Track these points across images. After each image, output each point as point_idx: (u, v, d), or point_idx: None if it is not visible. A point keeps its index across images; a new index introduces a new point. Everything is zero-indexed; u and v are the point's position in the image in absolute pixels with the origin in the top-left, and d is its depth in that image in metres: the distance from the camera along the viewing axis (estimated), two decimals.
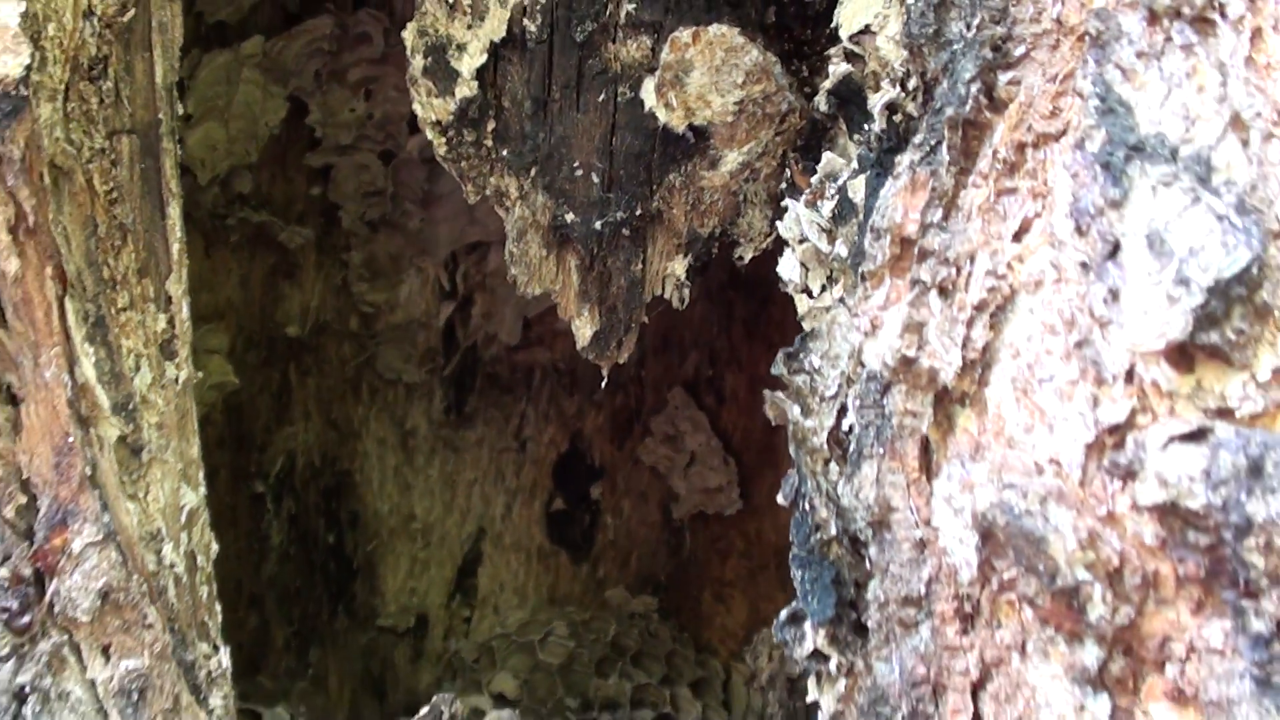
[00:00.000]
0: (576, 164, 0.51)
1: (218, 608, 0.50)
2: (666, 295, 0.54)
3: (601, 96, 0.50)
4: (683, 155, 0.50)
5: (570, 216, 0.52)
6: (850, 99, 0.47)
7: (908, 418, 0.33)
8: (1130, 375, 0.27)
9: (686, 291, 0.54)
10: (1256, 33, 0.27)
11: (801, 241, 0.46)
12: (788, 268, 0.47)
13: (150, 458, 0.45)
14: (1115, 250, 0.28)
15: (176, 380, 0.47)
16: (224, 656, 0.49)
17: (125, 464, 0.43)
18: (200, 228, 0.69)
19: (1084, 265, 0.28)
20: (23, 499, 0.39)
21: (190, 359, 0.49)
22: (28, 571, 0.39)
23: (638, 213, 0.51)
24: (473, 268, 0.76)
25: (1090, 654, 0.28)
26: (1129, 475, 0.27)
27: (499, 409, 0.83)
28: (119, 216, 0.44)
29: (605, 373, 0.60)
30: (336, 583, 0.84)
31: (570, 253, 0.53)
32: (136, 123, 0.45)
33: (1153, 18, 0.28)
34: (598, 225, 0.52)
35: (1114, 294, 0.28)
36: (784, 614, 0.39)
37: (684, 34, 0.48)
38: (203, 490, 0.49)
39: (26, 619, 0.39)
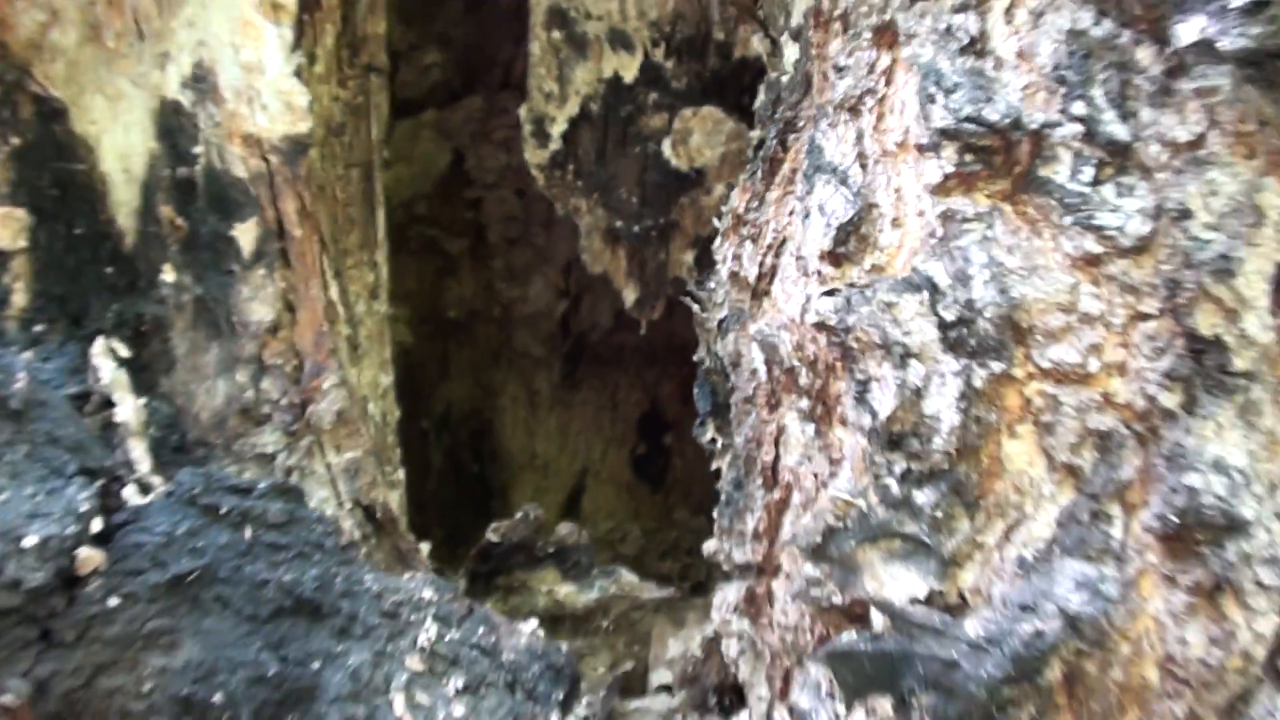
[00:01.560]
0: (623, 190, 0.82)
1: (397, 449, 0.82)
2: (683, 275, 0.85)
3: (637, 149, 0.81)
4: (689, 185, 0.81)
5: (619, 223, 0.83)
6: None
7: (740, 304, 0.62)
8: (817, 271, 0.54)
9: (694, 272, 0.84)
10: (880, 115, 0.55)
11: None
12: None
13: (364, 351, 0.77)
14: (806, 217, 0.56)
15: (378, 312, 0.80)
16: (400, 473, 0.81)
17: (350, 351, 0.75)
18: (390, 237, 1.03)
19: (803, 221, 0.56)
20: (295, 361, 0.71)
21: (386, 303, 0.82)
22: (297, 401, 0.71)
23: (662, 221, 0.82)
24: (581, 274, 1.08)
25: (804, 402, 0.56)
26: (811, 314, 0.54)
27: (599, 378, 1.15)
28: (350, 213, 0.76)
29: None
30: (479, 501, 1.16)
31: (620, 246, 0.84)
32: (360, 161, 0.77)
33: (836, 109, 0.56)
34: (636, 229, 0.82)
35: (808, 237, 0.56)
36: (696, 422, 0.68)
37: (688, 111, 0.78)
38: (391, 379, 0.81)
39: (295, 428, 0.70)
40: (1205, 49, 0.46)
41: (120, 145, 0.71)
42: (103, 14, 0.72)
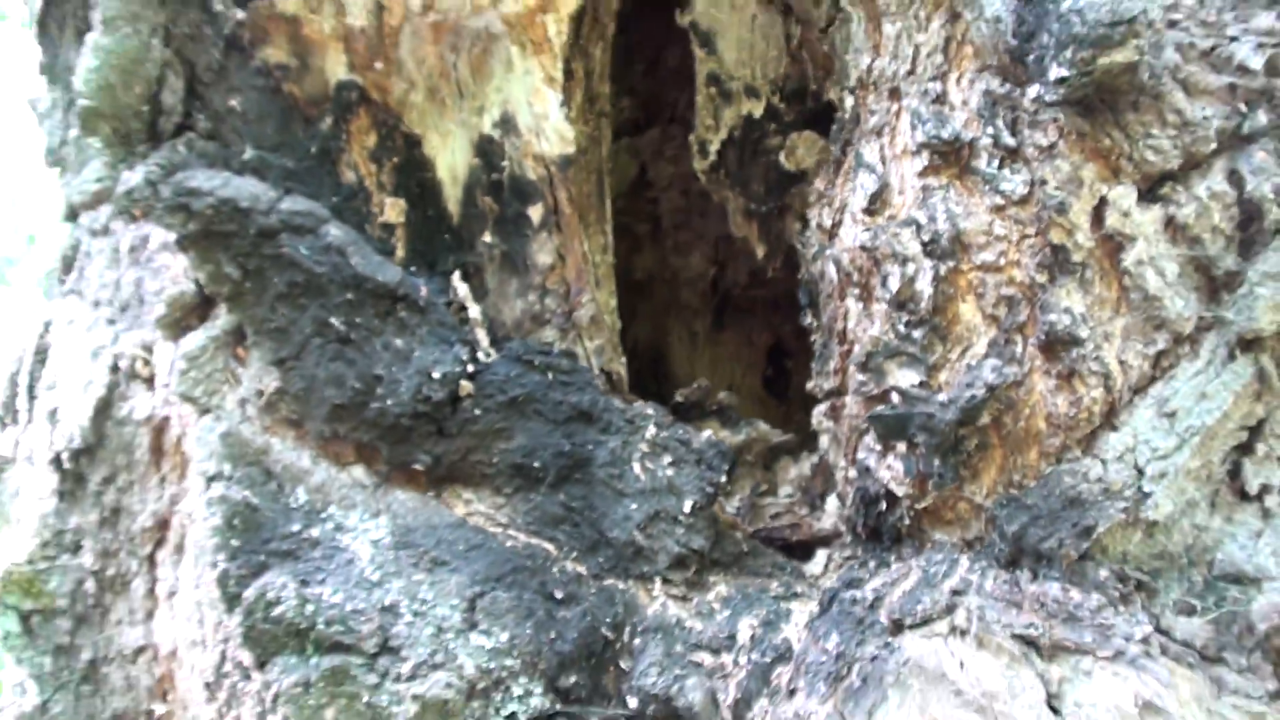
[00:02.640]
0: (755, 184, 1.28)
1: (619, 345, 1.30)
2: (793, 238, 1.32)
3: (763, 159, 1.27)
4: (795, 181, 1.27)
5: (753, 206, 1.29)
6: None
7: (821, 242, 1.09)
8: (861, 220, 1.01)
9: (799, 233, 1.30)
10: (892, 136, 1.00)
11: None
12: None
13: (601, 283, 1.25)
14: (854, 192, 1.02)
15: (607, 261, 1.27)
16: (622, 358, 1.30)
17: (594, 282, 1.23)
18: None
19: (853, 194, 1.03)
20: (565, 288, 1.20)
21: (611, 255, 1.30)
22: (566, 310, 1.20)
23: (779, 204, 1.28)
24: (727, 247, 1.55)
25: (856, 291, 1.02)
26: (858, 242, 1.01)
27: (739, 322, 1.62)
28: (591, 201, 1.25)
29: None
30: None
31: (754, 220, 1.30)
32: (595, 169, 1.26)
33: (870, 133, 1.02)
34: (764, 209, 1.29)
35: (854, 202, 1.03)
36: (800, 313, 1.16)
37: (795, 134, 1.25)
38: (614, 301, 1.29)
39: (565, 326, 1.18)
40: (1044, 100, 0.91)
41: (450, 162, 1.20)
42: (441, 84, 1.21)
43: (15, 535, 1.14)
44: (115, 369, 1.13)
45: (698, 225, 1.55)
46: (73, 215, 1.25)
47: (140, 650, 1.10)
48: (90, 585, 1.11)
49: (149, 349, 1.12)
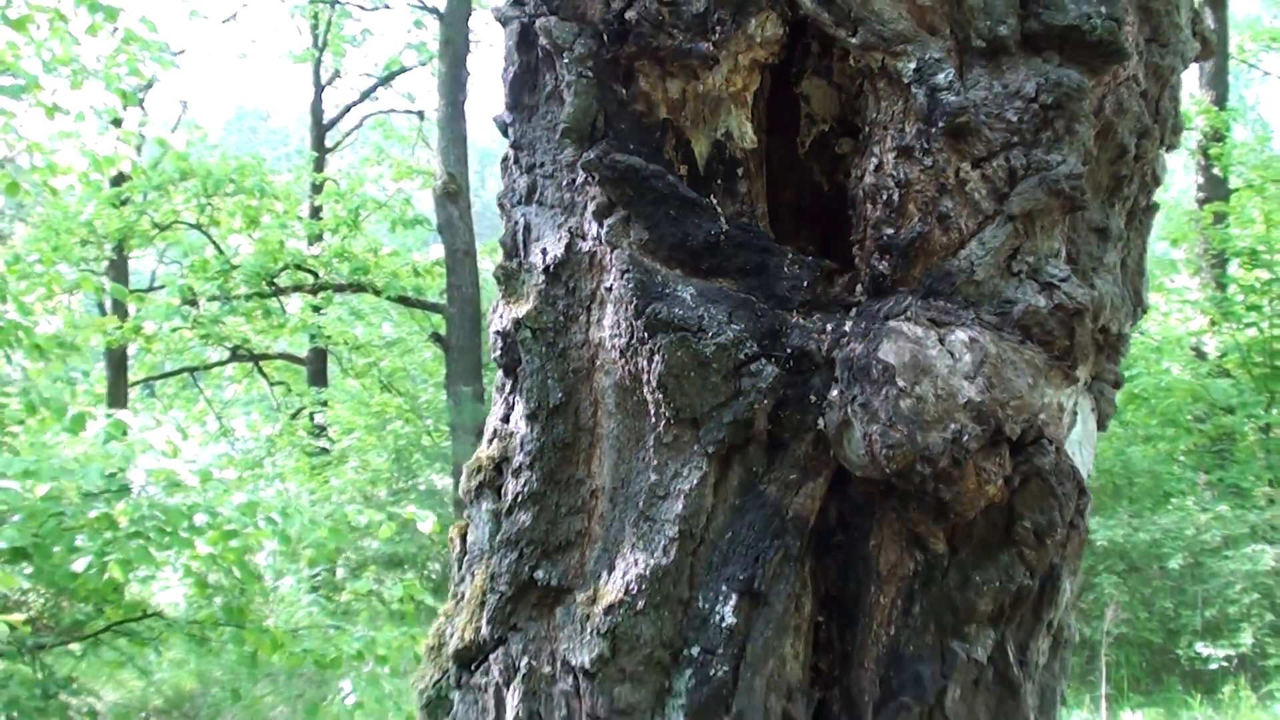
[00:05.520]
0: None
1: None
2: None
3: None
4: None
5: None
6: None
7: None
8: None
9: None
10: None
11: None
12: None
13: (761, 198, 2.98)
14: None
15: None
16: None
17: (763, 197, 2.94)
18: None
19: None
20: (751, 201, 2.90)
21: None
22: (748, 212, 2.92)
23: None
24: None
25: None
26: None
27: None
28: (761, 165, 2.97)
29: None
30: None
31: None
32: (762, 156, 2.99)
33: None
34: None
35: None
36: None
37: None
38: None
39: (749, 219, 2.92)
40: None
41: (701, 149, 2.96)
42: (700, 116, 2.96)
43: (519, 301, 2.92)
44: (570, 234, 2.89)
45: None
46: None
47: (583, 343, 2.85)
48: (561, 319, 2.86)
49: (584, 229, 2.89)
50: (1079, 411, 2.79)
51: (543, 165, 2.83)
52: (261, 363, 28.16)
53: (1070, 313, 2.38)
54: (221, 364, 28.25)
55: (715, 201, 2.51)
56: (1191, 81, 22.25)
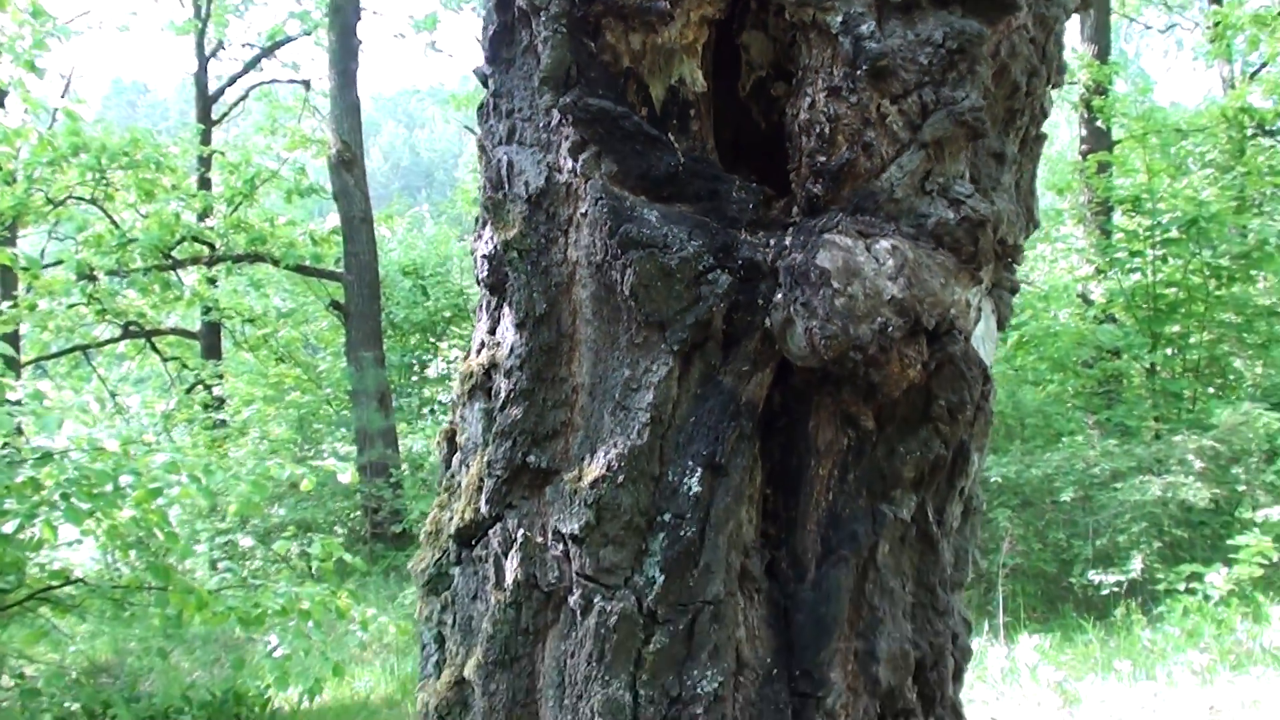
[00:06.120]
0: None
1: None
2: None
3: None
4: None
5: None
6: None
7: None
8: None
9: None
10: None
11: None
12: None
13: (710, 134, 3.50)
14: None
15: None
16: None
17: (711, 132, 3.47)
18: None
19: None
20: (702, 138, 3.43)
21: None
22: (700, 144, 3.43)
23: None
24: None
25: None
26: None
27: None
28: (710, 106, 3.50)
29: None
30: None
31: None
32: (712, 99, 3.52)
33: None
34: None
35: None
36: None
37: None
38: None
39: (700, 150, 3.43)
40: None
41: (658, 94, 3.47)
42: (657, 65, 3.47)
43: (506, 227, 3.41)
44: (548, 168, 3.39)
45: None
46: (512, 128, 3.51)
47: (562, 261, 3.35)
48: (543, 240, 3.36)
49: (560, 164, 3.39)
50: (982, 311, 3.36)
51: (521, 110, 3.32)
52: (154, 339, 28.02)
53: (974, 224, 2.92)
54: (114, 341, 28.07)
55: (672, 138, 3.01)
56: (1075, 36, 23.22)
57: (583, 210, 2.95)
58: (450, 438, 3.48)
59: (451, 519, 3.30)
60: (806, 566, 3.00)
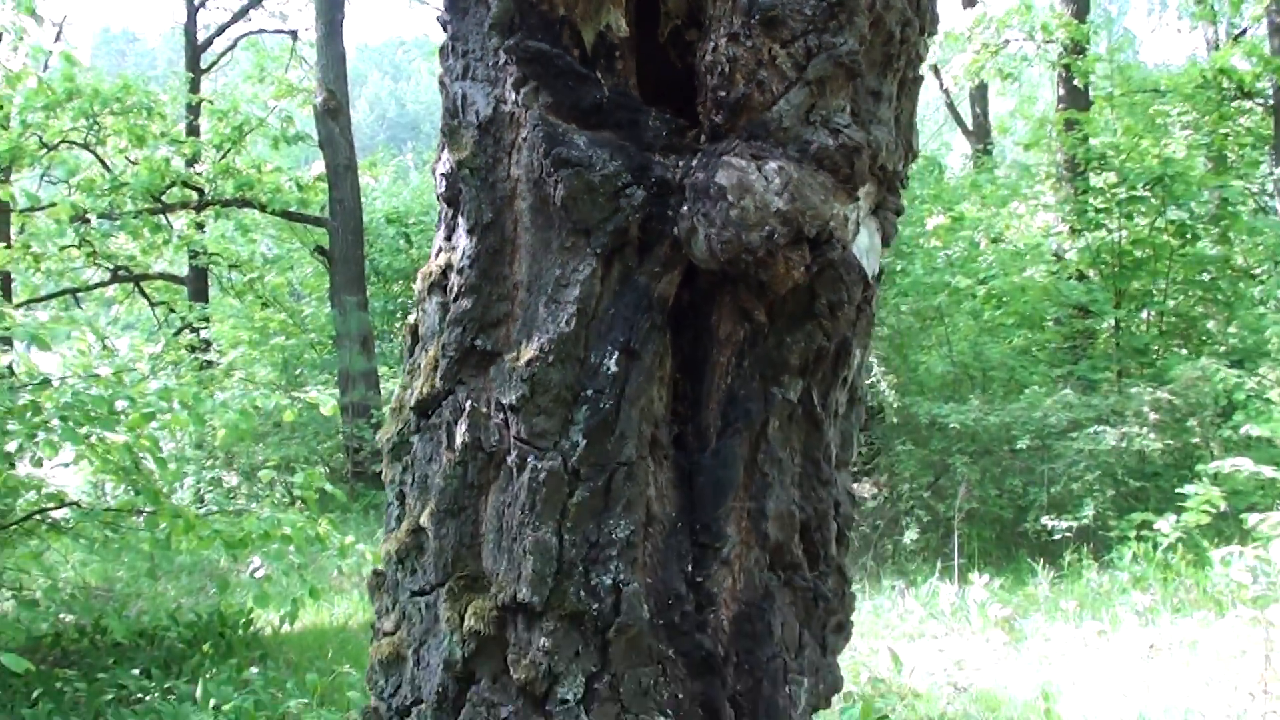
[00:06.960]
0: None
1: None
2: None
3: None
4: None
5: None
6: None
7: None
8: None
9: None
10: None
11: None
12: None
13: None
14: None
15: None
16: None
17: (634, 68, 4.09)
18: None
19: None
20: (625, 75, 4.04)
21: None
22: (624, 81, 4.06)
23: None
24: None
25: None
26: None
27: None
28: (633, 43, 4.13)
29: None
30: None
31: None
32: (635, 43, 4.15)
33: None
34: None
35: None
36: None
37: None
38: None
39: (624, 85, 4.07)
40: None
41: (590, 39, 4.10)
42: (589, 11, 4.10)
43: (460, 149, 4.04)
44: (496, 100, 4.01)
45: None
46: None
47: (506, 178, 3.98)
48: (490, 161, 3.98)
49: (505, 96, 4.01)
50: (865, 228, 4.00)
51: (474, 51, 3.93)
52: (142, 283, 28.53)
53: (850, 149, 3.51)
54: (103, 285, 28.58)
55: (600, 76, 3.64)
56: None
57: (523, 135, 3.53)
58: (414, 331, 4.13)
59: (412, 395, 3.96)
60: (708, 439, 3.57)
